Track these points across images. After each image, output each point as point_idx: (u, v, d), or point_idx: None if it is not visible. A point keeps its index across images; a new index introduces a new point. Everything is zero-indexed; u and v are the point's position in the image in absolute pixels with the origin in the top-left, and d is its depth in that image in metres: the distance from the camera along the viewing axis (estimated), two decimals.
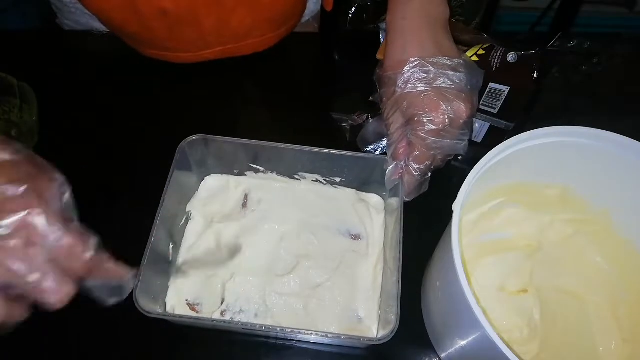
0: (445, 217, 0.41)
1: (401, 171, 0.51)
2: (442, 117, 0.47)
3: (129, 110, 0.68)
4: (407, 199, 0.51)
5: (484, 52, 0.56)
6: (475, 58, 0.55)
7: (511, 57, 0.54)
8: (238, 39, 0.68)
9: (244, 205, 0.58)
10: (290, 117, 0.69)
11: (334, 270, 0.54)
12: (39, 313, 0.53)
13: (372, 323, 0.51)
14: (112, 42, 0.76)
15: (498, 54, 0.55)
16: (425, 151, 0.49)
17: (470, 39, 0.60)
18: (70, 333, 0.52)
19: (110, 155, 0.64)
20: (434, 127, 0.47)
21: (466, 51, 0.57)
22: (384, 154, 0.54)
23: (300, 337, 0.50)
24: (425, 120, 0.48)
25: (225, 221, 0.56)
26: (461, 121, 0.48)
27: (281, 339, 0.51)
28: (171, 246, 0.53)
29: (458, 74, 0.48)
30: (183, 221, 0.56)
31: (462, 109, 0.48)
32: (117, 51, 0.75)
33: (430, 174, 0.52)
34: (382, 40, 0.64)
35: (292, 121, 0.68)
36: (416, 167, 0.49)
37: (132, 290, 0.44)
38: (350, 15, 0.65)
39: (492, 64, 0.55)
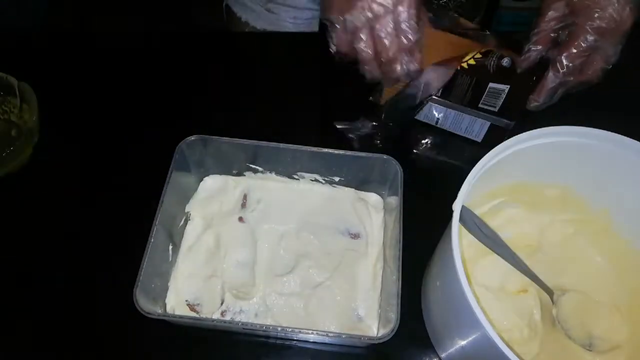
0: (445, 217, 0.41)
1: (537, 58, 0.50)
2: (612, 16, 0.46)
3: (128, 110, 0.68)
4: (534, 105, 0.51)
5: (480, 55, 0.56)
6: (472, 61, 0.56)
7: (505, 62, 0.55)
8: None
9: (243, 205, 0.58)
10: (290, 117, 0.69)
11: (333, 269, 0.54)
12: (38, 312, 0.53)
13: (372, 322, 0.51)
14: (112, 41, 0.76)
15: (493, 59, 0.56)
16: (583, 48, 0.47)
17: (472, 34, 0.60)
18: (70, 333, 0.52)
19: (110, 156, 0.64)
20: (603, 25, 0.46)
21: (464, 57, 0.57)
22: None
23: (300, 336, 0.50)
24: (596, 15, 0.46)
25: (225, 221, 0.56)
26: (624, 28, 0.47)
27: (281, 338, 0.51)
28: (170, 247, 0.53)
29: None
30: (182, 222, 0.56)
31: (628, 14, 0.46)
32: (117, 51, 0.75)
33: (561, 93, 0.50)
34: None
35: (291, 121, 0.68)
36: (565, 63, 0.48)
37: (132, 291, 0.44)
38: None
39: (488, 68, 0.55)
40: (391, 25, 0.45)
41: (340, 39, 0.47)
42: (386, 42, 0.46)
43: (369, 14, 0.45)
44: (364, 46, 0.46)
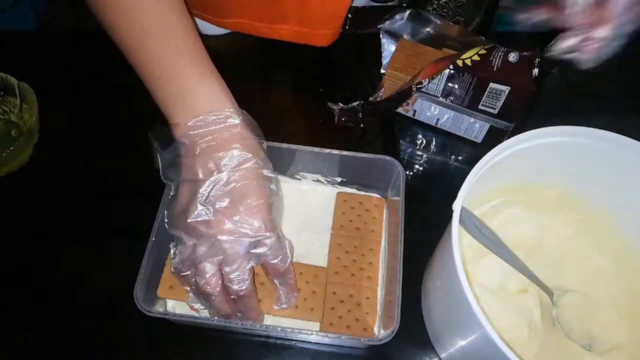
0: (445, 217, 0.41)
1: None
2: None
3: (129, 109, 0.68)
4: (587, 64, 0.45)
5: (485, 51, 0.56)
6: (476, 57, 0.55)
7: (512, 56, 0.54)
8: (314, 24, 0.65)
9: None
10: (291, 117, 0.69)
11: None
12: (38, 312, 0.53)
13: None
14: (113, 41, 0.76)
15: (499, 54, 0.56)
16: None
17: (467, 41, 0.60)
18: (70, 332, 0.52)
19: (111, 155, 0.64)
20: None
21: (466, 52, 0.57)
22: None
23: (300, 337, 0.50)
24: None
25: None
26: None
27: (281, 338, 0.51)
28: (172, 245, 0.53)
29: None
30: None
31: None
32: (118, 51, 0.75)
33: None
34: (385, 46, 0.63)
35: (293, 121, 0.68)
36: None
37: (133, 290, 0.44)
38: (350, 17, 0.65)
39: (493, 64, 0.55)
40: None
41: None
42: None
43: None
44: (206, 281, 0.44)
